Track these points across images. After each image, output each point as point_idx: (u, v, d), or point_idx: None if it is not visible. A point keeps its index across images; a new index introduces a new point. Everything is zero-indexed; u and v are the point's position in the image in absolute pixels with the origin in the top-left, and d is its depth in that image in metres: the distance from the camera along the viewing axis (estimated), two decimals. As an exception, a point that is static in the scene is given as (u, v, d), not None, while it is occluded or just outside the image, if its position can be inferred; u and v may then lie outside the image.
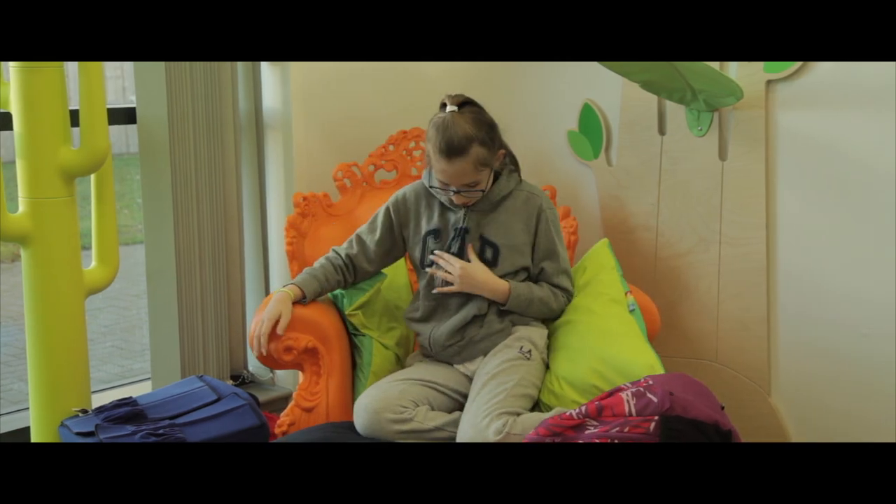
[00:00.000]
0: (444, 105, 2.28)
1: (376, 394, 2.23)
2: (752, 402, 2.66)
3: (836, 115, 2.47)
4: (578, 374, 2.25)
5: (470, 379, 2.32)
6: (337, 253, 2.41)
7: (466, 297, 2.34)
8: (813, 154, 2.52)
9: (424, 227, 2.37)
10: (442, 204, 2.36)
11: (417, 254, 2.38)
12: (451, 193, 2.29)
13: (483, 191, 2.29)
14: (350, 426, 2.25)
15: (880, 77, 2.37)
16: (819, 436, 2.59)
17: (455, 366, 2.37)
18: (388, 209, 2.41)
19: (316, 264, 2.40)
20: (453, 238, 2.33)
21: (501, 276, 2.32)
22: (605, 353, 2.24)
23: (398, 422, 2.16)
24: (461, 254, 2.33)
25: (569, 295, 2.40)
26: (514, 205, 2.35)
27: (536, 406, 2.27)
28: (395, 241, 2.42)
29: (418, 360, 2.41)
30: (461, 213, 2.33)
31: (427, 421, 2.19)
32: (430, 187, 2.34)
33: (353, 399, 2.39)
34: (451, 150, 2.22)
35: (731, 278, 2.68)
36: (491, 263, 2.33)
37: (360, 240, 2.41)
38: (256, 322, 2.28)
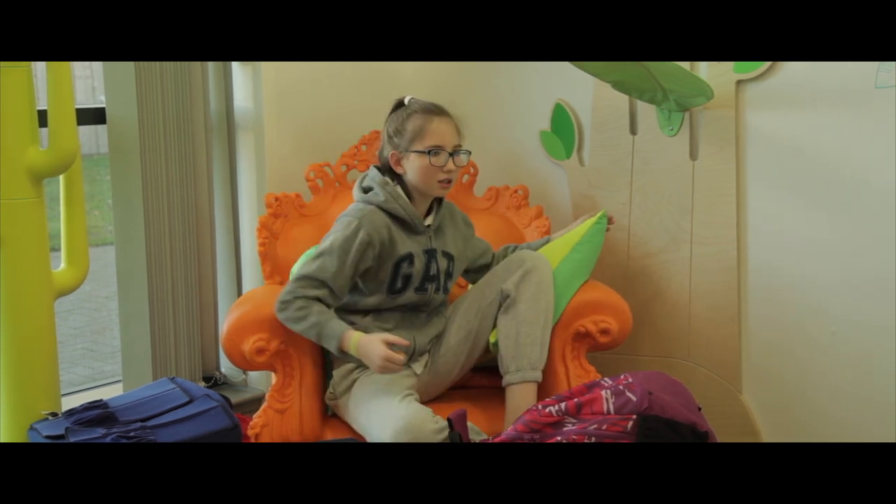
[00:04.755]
0: (401, 102, 2.42)
1: (401, 414, 2.15)
2: (724, 400, 2.68)
3: (806, 114, 2.49)
4: None
5: (416, 375, 2.40)
6: (315, 298, 2.30)
7: (434, 305, 2.45)
8: (783, 153, 2.54)
9: (398, 252, 2.34)
10: (405, 226, 2.36)
11: (384, 277, 2.35)
12: (447, 157, 2.34)
13: (468, 156, 2.41)
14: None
15: (849, 77, 2.39)
16: (790, 433, 2.61)
17: (412, 364, 2.40)
18: (358, 256, 2.30)
19: (314, 306, 2.27)
20: (430, 261, 2.39)
21: (453, 281, 2.49)
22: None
23: (439, 431, 2.11)
24: (440, 273, 2.41)
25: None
26: (446, 220, 2.48)
27: None
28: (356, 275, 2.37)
29: (373, 377, 2.34)
30: (425, 234, 2.40)
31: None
32: (431, 163, 2.31)
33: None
34: (440, 108, 2.38)
35: (702, 277, 2.70)
36: (450, 275, 2.46)
37: (331, 286, 2.30)
38: (387, 361, 2.17)
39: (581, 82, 2.79)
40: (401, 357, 2.18)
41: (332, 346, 2.24)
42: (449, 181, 2.36)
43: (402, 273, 2.35)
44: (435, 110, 2.36)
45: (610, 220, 2.61)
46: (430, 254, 2.40)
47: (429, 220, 2.42)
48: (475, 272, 2.57)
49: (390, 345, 2.20)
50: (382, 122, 2.43)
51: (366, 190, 2.39)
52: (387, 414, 2.18)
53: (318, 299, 2.27)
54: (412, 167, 2.35)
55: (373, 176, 2.40)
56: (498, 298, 2.37)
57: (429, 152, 2.32)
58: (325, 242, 2.32)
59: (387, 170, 2.40)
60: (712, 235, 2.66)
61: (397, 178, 2.39)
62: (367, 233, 2.30)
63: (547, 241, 2.59)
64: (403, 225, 2.37)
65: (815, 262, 2.52)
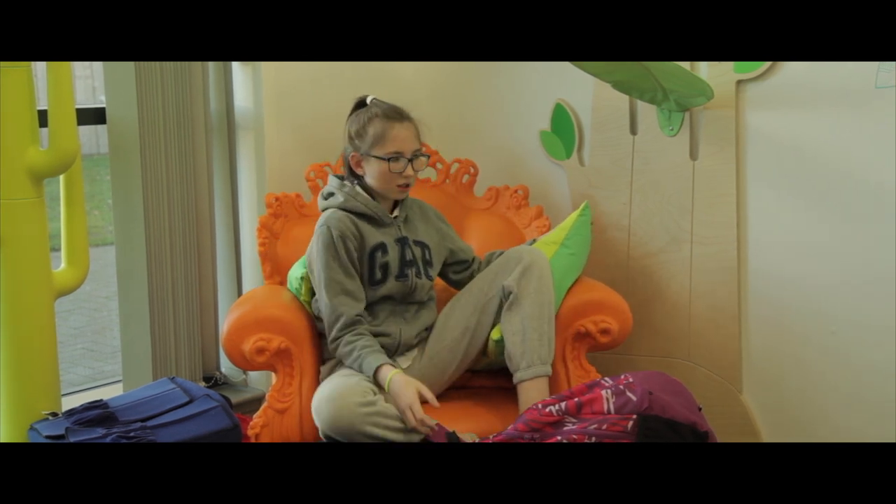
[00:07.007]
0: (363, 101, 2.45)
1: (333, 385, 2.22)
2: (724, 400, 2.68)
3: (806, 114, 2.49)
4: None
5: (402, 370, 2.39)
6: (353, 322, 2.32)
7: (421, 300, 2.46)
8: (783, 153, 2.54)
9: (369, 242, 2.37)
10: (371, 220, 2.39)
11: (364, 270, 2.38)
12: (406, 163, 2.36)
13: (426, 160, 2.44)
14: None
15: (849, 77, 2.39)
16: (790, 433, 2.61)
17: (396, 358, 2.40)
18: (343, 251, 2.33)
19: (359, 340, 2.30)
20: (403, 248, 2.41)
21: (435, 269, 2.51)
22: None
23: (365, 405, 2.13)
24: (417, 259, 2.43)
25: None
26: (415, 213, 2.51)
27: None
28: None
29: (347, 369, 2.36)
30: (393, 225, 2.42)
31: (391, 409, 2.17)
32: (390, 169, 2.34)
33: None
34: (400, 113, 2.39)
35: (702, 277, 2.70)
36: (429, 262, 2.47)
37: (349, 292, 2.34)
38: (411, 410, 2.15)
39: (581, 82, 2.79)
40: (430, 420, 2.16)
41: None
42: (407, 185, 2.40)
43: (378, 263, 2.37)
44: (395, 116, 2.38)
45: None
46: (402, 241, 2.42)
47: (395, 213, 2.45)
48: (455, 271, 2.56)
49: (421, 399, 2.19)
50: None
51: (327, 196, 2.44)
52: (324, 384, 2.25)
53: (358, 316, 2.32)
54: (371, 170, 2.39)
55: (331, 182, 2.46)
56: (499, 295, 2.37)
57: (388, 159, 2.35)
58: (314, 267, 2.36)
59: (348, 169, 2.45)
60: (712, 235, 2.66)
61: (358, 177, 2.43)
62: (338, 229, 2.34)
63: (533, 243, 2.58)
64: (369, 220, 2.40)
65: (814, 262, 2.52)
